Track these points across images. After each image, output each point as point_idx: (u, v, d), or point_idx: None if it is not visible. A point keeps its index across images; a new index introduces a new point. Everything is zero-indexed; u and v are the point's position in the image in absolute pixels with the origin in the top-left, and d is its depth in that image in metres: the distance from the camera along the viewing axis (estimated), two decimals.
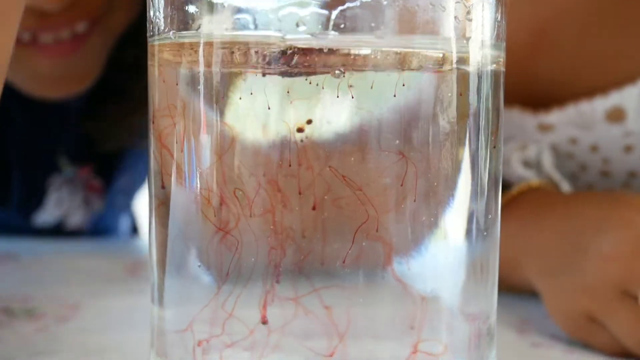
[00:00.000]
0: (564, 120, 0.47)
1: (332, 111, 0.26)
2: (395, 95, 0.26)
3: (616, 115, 0.45)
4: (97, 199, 0.66)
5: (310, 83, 0.26)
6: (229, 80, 0.26)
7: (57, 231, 0.66)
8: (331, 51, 0.25)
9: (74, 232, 0.67)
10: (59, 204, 0.64)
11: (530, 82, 0.47)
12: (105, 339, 0.38)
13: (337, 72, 0.26)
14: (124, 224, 0.75)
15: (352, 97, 0.26)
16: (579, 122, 0.47)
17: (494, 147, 0.29)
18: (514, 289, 0.45)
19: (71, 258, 0.57)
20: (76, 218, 0.66)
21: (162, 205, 0.29)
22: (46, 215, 0.64)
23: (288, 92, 0.26)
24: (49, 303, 0.44)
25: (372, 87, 0.26)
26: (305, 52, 0.25)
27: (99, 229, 0.70)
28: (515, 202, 0.44)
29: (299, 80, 0.26)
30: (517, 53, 0.45)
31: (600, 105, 0.45)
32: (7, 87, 0.55)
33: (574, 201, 0.43)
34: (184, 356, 0.28)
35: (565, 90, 0.46)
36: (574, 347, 0.38)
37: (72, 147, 0.63)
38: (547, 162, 0.47)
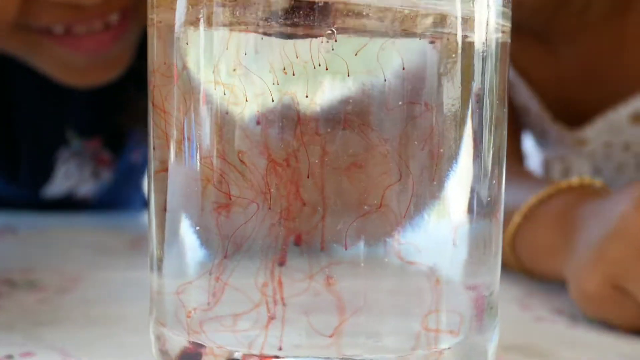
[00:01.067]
0: (595, 132, 0.53)
1: (326, 82, 0.25)
2: (397, 64, 0.25)
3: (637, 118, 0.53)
4: (106, 172, 0.65)
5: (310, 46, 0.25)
6: (226, 39, 0.26)
7: (66, 204, 0.66)
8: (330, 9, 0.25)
9: (83, 204, 0.67)
10: (68, 176, 0.64)
11: (573, 105, 0.55)
12: (106, 310, 0.38)
13: (328, 32, 0.25)
14: (134, 198, 0.74)
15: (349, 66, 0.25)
16: (609, 129, 0.53)
17: (499, 124, 0.28)
18: (541, 279, 0.44)
19: (74, 231, 0.57)
20: (85, 190, 0.65)
21: (161, 171, 0.28)
22: (55, 188, 0.64)
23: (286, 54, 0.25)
24: (51, 275, 0.44)
25: (375, 54, 0.26)
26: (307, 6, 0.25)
27: (109, 202, 0.70)
28: (561, 195, 0.44)
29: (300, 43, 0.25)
30: (571, 85, 0.54)
31: (623, 111, 0.53)
32: (14, 60, 0.55)
33: (612, 193, 0.43)
34: (181, 323, 0.28)
35: (594, 105, 0.54)
36: (578, 322, 0.38)
37: (80, 119, 0.63)
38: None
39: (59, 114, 0.63)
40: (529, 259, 0.44)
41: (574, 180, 0.44)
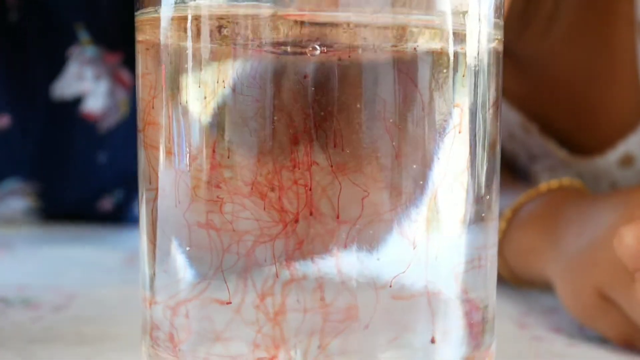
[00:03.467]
0: (614, 157, 0.50)
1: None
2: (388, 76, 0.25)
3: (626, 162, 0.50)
4: (124, 96, 0.62)
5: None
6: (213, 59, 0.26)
7: (72, 115, 0.62)
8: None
9: (87, 121, 0.63)
10: (79, 78, 0.61)
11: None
12: (100, 328, 0.38)
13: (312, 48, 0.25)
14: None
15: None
16: (595, 173, 0.51)
17: (493, 136, 0.28)
18: (527, 283, 0.44)
19: (68, 248, 0.57)
20: (96, 103, 0.62)
21: (153, 200, 0.28)
22: (64, 86, 0.61)
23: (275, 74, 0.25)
24: (45, 292, 0.44)
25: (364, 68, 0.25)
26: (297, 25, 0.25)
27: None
28: (541, 197, 0.44)
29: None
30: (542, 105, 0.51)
31: (612, 156, 0.50)
32: None
33: (596, 195, 0.43)
34: (173, 343, 0.27)
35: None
36: (576, 341, 0.38)
37: (95, 22, 0.60)
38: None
39: (68, 6, 0.60)
40: (514, 262, 0.44)
41: (553, 182, 0.45)
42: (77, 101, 0.62)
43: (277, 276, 0.26)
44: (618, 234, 0.33)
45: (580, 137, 0.51)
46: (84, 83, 0.62)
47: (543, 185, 0.45)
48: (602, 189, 0.51)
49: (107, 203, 0.67)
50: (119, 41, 0.61)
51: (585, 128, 0.51)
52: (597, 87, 0.50)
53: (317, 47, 0.25)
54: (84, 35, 0.60)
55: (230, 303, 0.26)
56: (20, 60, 0.61)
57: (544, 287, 0.42)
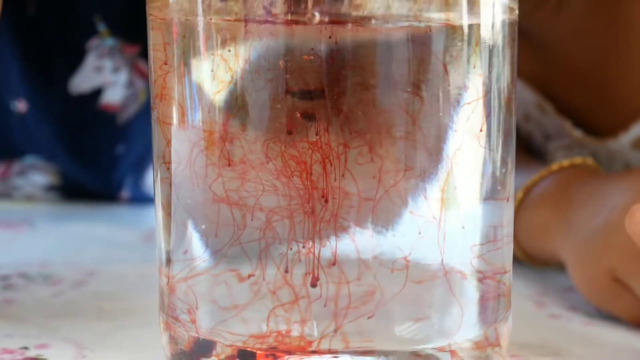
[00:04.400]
0: (628, 140, 0.50)
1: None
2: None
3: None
4: (142, 86, 0.62)
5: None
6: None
7: (91, 109, 0.62)
8: None
9: (107, 113, 0.62)
10: (98, 71, 0.61)
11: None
12: (120, 303, 0.38)
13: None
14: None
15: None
16: (608, 155, 0.50)
17: (508, 104, 0.28)
18: (540, 262, 0.44)
19: (90, 225, 0.58)
20: (115, 94, 0.61)
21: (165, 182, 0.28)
22: (82, 80, 0.61)
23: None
24: (66, 268, 0.44)
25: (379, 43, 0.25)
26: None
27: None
28: (553, 176, 0.44)
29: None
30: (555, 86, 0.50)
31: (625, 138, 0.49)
32: None
33: (608, 175, 0.43)
34: (191, 317, 0.28)
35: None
36: (593, 319, 0.38)
37: (113, 13, 0.60)
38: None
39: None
40: (527, 242, 0.44)
41: (565, 161, 0.44)
42: (96, 93, 0.62)
43: (296, 253, 0.26)
44: (630, 212, 0.33)
45: (595, 118, 0.51)
46: (103, 75, 0.62)
47: (555, 165, 0.45)
48: (617, 168, 0.51)
49: (126, 193, 0.68)
50: (137, 32, 0.60)
51: (599, 109, 0.50)
52: (611, 69, 0.49)
53: (316, 14, 0.25)
54: (102, 27, 0.60)
55: (249, 278, 0.26)
56: (40, 53, 0.61)
57: (558, 266, 0.42)
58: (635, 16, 0.47)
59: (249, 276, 0.26)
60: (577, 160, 0.44)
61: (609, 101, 0.50)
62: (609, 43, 0.49)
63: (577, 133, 0.51)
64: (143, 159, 0.66)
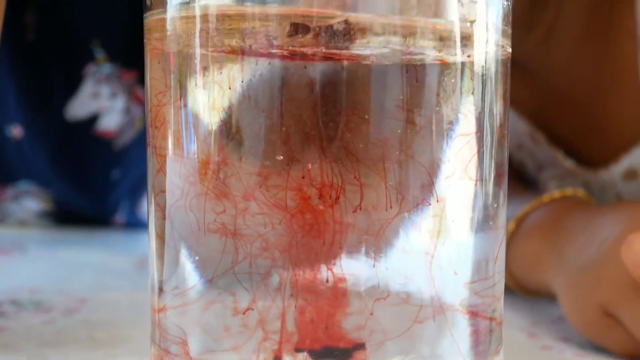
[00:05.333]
0: (618, 171, 0.50)
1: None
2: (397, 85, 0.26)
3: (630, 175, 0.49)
4: (139, 113, 0.62)
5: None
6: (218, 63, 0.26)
7: (87, 134, 0.62)
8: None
9: (103, 140, 0.63)
10: (95, 97, 0.61)
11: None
12: (111, 332, 0.38)
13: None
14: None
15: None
16: (601, 185, 0.50)
17: (500, 139, 0.28)
18: (533, 292, 0.44)
19: (80, 251, 0.57)
20: (111, 121, 0.62)
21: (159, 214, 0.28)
22: (79, 106, 0.61)
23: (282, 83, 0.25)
24: (57, 295, 0.44)
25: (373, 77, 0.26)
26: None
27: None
28: (544, 207, 0.44)
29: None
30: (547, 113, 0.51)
31: (616, 170, 0.49)
32: None
33: (598, 206, 0.43)
34: (182, 348, 0.28)
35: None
36: (586, 350, 0.38)
37: (111, 39, 0.60)
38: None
39: (86, 23, 0.60)
40: (519, 273, 0.44)
41: (556, 192, 0.45)
42: (92, 120, 0.63)
43: (287, 283, 0.26)
44: (627, 242, 0.33)
45: (586, 148, 0.51)
46: (100, 101, 0.62)
47: (546, 196, 0.45)
48: (609, 198, 0.51)
49: (121, 217, 0.68)
50: (134, 59, 0.61)
51: (590, 139, 0.51)
52: (601, 100, 0.50)
53: (314, 48, 0.25)
54: (100, 53, 0.61)
55: (240, 309, 0.26)
56: (38, 79, 0.61)
57: (550, 297, 0.42)
58: (624, 47, 0.48)
59: (246, 310, 0.26)
60: (568, 191, 0.45)
61: (599, 132, 0.50)
62: (599, 74, 0.49)
63: (569, 163, 0.52)
64: (139, 184, 0.66)
